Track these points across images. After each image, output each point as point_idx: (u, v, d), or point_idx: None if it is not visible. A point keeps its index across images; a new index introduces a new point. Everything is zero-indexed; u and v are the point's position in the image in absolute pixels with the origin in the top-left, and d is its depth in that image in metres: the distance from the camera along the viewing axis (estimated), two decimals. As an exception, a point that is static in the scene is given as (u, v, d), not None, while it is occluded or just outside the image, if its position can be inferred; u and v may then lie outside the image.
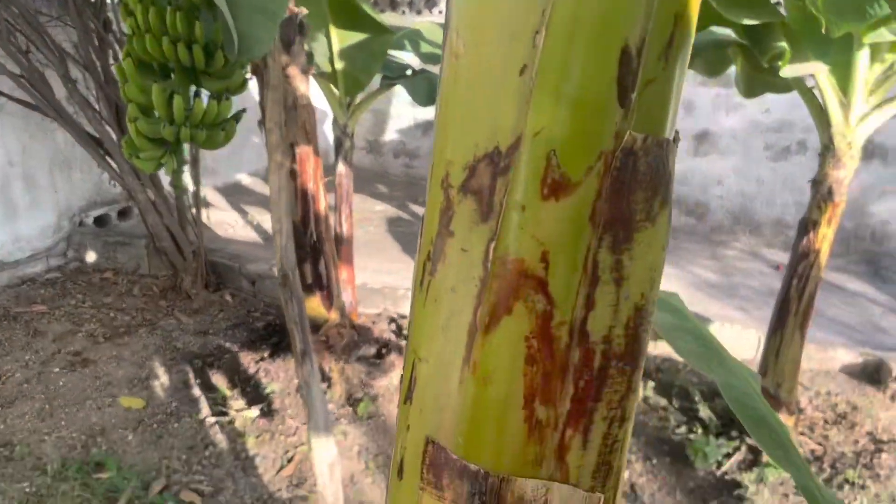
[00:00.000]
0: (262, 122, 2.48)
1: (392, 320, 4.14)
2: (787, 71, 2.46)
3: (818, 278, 3.17)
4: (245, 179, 7.44)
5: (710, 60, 3.23)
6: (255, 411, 3.32)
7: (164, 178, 4.60)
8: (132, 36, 2.24)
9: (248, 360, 3.79)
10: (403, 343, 3.88)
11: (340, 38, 3.57)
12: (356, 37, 3.60)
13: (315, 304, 3.47)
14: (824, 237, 3.10)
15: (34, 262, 5.04)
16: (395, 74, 4.01)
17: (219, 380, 3.63)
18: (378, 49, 3.62)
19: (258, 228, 5.70)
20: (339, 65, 3.57)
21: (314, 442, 2.17)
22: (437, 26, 4.23)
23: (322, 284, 3.46)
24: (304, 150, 3.13)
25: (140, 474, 2.94)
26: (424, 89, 3.84)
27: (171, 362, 3.81)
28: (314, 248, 3.36)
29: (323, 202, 3.35)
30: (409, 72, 4.06)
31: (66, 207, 5.28)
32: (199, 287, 4.55)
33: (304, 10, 2.95)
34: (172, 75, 2.37)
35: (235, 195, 6.69)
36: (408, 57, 4.30)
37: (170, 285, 4.72)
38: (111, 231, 5.35)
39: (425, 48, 3.97)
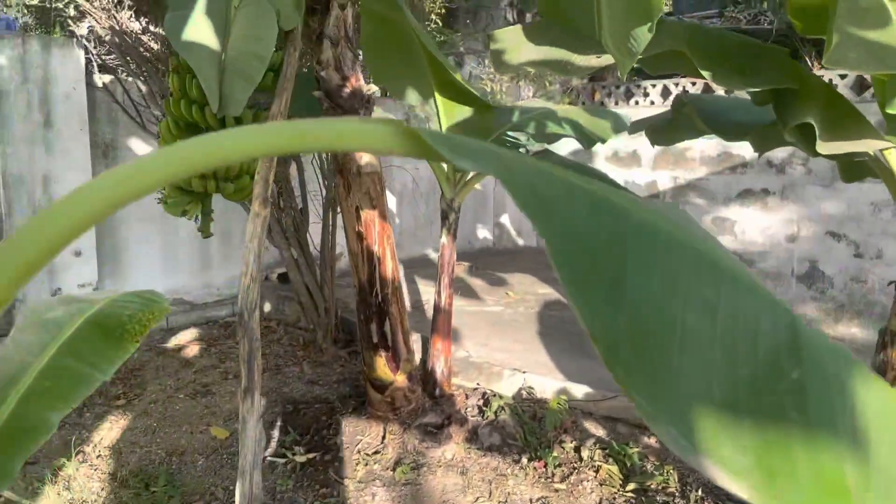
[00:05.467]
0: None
1: (484, 396, 4.06)
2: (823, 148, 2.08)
3: None
4: (432, 254, 7.84)
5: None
6: (304, 458, 3.46)
7: (311, 239, 5.08)
8: (169, 97, 2.64)
9: (331, 411, 3.98)
10: (475, 419, 3.78)
11: (447, 115, 3.74)
12: (463, 113, 3.75)
13: (381, 365, 3.56)
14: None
15: (219, 307, 5.81)
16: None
17: (298, 424, 3.86)
18: (484, 126, 3.73)
19: (412, 297, 5.97)
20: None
21: (238, 481, 2.24)
22: (576, 109, 4.21)
23: (387, 345, 3.55)
24: (368, 215, 3.31)
25: (184, 494, 3.22)
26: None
27: (271, 404, 4.13)
28: (380, 309, 3.48)
29: (391, 265, 3.47)
30: (522, 150, 4.08)
31: (255, 262, 6.01)
32: (329, 342, 4.89)
33: (373, 88, 3.19)
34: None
35: (414, 267, 7.08)
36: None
37: (311, 338, 5.13)
38: (286, 287, 5.98)
39: (551, 128, 3.97)
